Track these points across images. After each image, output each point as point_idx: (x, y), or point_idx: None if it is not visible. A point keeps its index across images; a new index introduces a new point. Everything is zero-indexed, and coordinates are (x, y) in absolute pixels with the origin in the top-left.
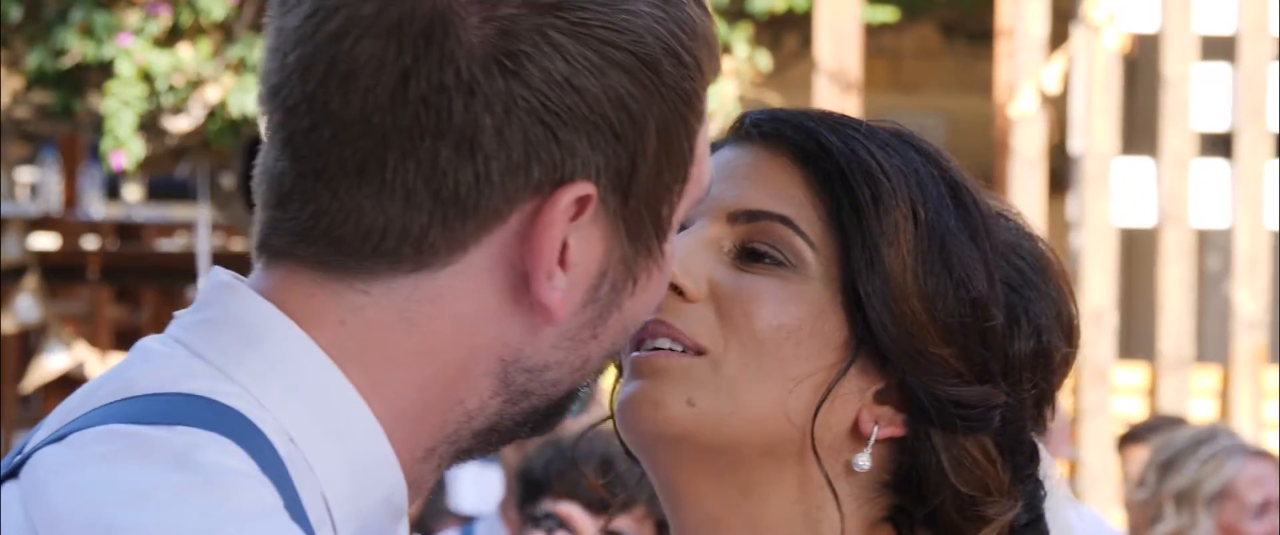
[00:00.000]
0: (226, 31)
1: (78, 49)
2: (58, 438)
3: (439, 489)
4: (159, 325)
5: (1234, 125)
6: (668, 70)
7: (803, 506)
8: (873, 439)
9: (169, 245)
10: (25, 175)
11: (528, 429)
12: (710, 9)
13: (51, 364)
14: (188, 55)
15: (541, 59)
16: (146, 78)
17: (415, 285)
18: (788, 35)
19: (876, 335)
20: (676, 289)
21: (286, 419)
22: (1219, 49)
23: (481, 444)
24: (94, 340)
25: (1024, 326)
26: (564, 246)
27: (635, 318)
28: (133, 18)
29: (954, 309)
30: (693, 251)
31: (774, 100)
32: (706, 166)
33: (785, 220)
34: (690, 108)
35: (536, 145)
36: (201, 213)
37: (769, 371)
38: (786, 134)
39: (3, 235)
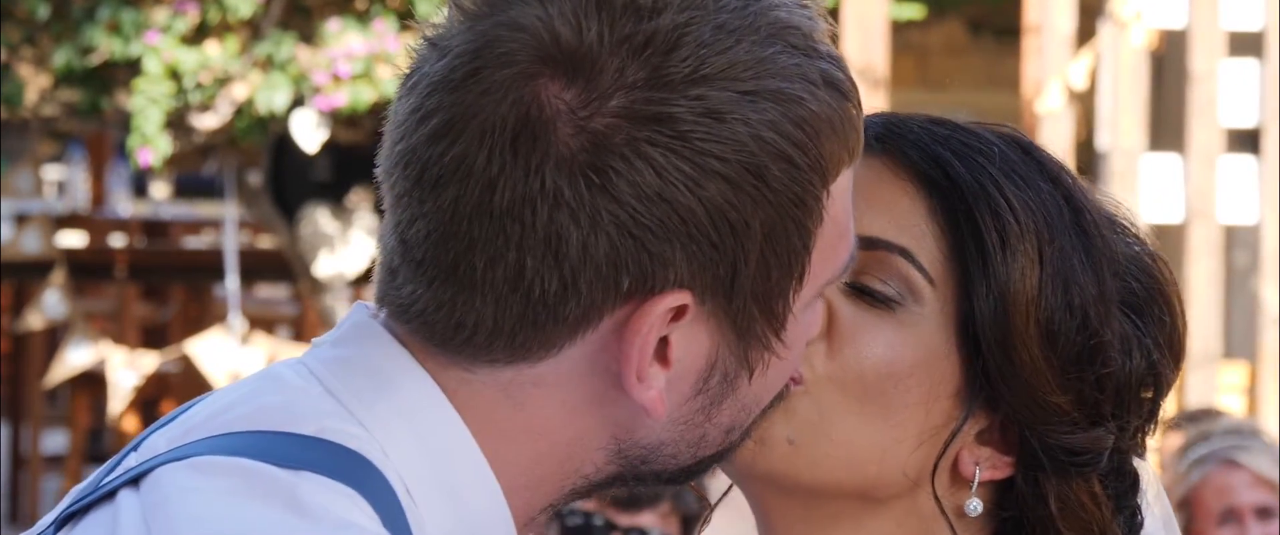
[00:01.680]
0: (254, 29)
1: (105, 47)
2: (182, 456)
3: None
4: (185, 323)
5: (1261, 121)
6: (776, 175)
7: None
8: (976, 482)
9: (196, 243)
10: (52, 173)
11: (652, 483)
12: (851, 85)
13: (75, 360)
14: (215, 52)
15: (631, 173)
16: (174, 75)
17: (516, 371)
18: None
19: (993, 384)
20: None
21: (406, 470)
22: (1246, 45)
23: (601, 491)
24: (120, 338)
25: (1138, 360)
26: (666, 344)
27: (757, 400)
28: (160, 15)
29: (1074, 355)
30: None
31: None
32: (846, 243)
33: (905, 252)
34: (802, 208)
35: (625, 257)
36: (228, 210)
37: (872, 416)
38: (911, 155)
39: (30, 232)
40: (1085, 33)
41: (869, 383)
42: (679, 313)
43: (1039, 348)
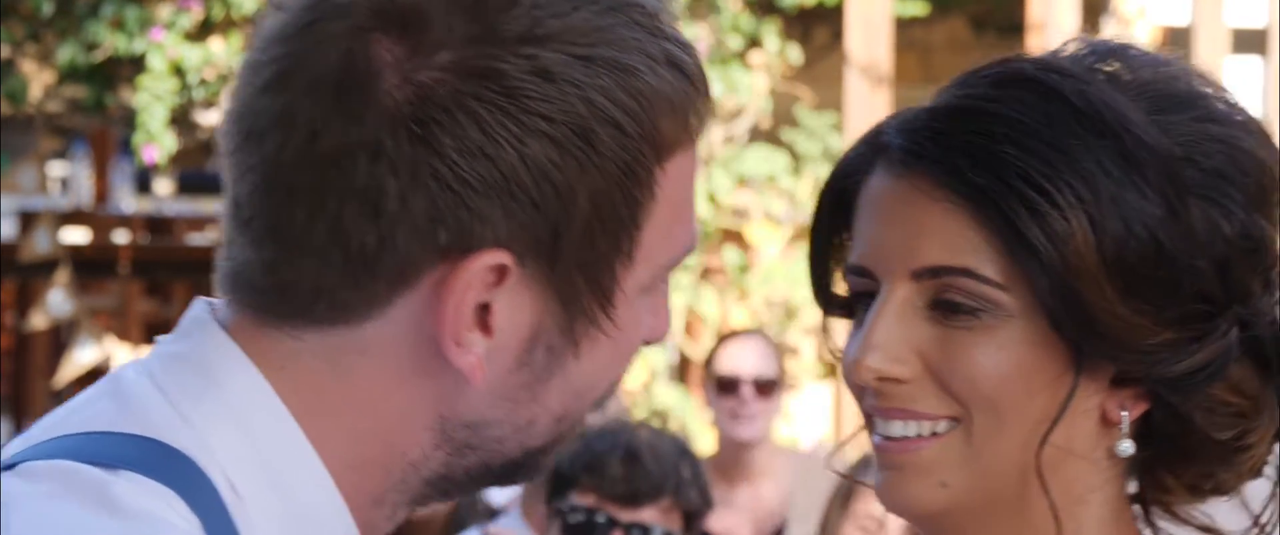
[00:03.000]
0: (257, 25)
1: (109, 43)
2: (16, 462)
3: None
4: None
5: (1264, 117)
6: (604, 141)
7: (1063, 510)
8: (1126, 425)
9: (200, 239)
10: (56, 169)
11: (486, 482)
12: (697, 70)
13: (82, 358)
14: (219, 49)
15: (454, 127)
16: (178, 72)
17: (341, 337)
18: (818, 29)
19: (1095, 357)
20: (893, 379)
21: (231, 465)
22: (1250, 42)
23: (436, 492)
24: (125, 334)
25: (1235, 241)
26: (488, 310)
27: (587, 383)
28: (164, 12)
29: (1158, 280)
30: (890, 329)
31: (805, 93)
32: (685, 229)
33: (967, 272)
34: (632, 179)
35: (444, 211)
36: None
37: (1010, 423)
38: (933, 173)
39: (34, 229)
40: (1089, 29)
41: (992, 396)
42: (500, 276)
43: (1122, 303)
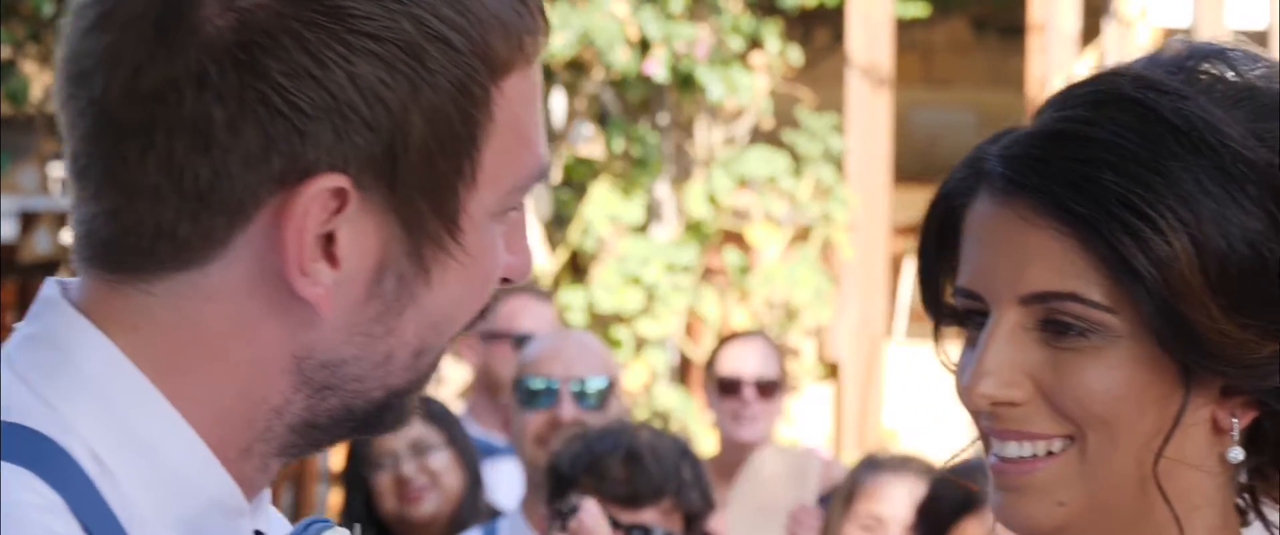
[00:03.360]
0: None
1: None
2: None
3: (474, 486)
4: None
5: None
6: (434, 57)
7: (1180, 517)
8: (1237, 433)
9: None
10: (57, 170)
11: (351, 427)
12: None
13: None
14: None
15: (279, 51)
16: None
17: (189, 282)
18: (819, 30)
19: (1199, 376)
20: (1006, 403)
21: (93, 438)
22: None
23: (304, 441)
24: None
25: None
26: (332, 241)
27: (444, 314)
28: None
29: (1268, 304)
30: (1002, 355)
31: (805, 94)
32: (531, 152)
33: (1074, 297)
34: (466, 95)
35: (274, 137)
36: None
37: (1121, 440)
38: (1036, 201)
39: (35, 230)
40: (1090, 31)
41: (1105, 416)
42: (340, 201)
43: (1228, 321)
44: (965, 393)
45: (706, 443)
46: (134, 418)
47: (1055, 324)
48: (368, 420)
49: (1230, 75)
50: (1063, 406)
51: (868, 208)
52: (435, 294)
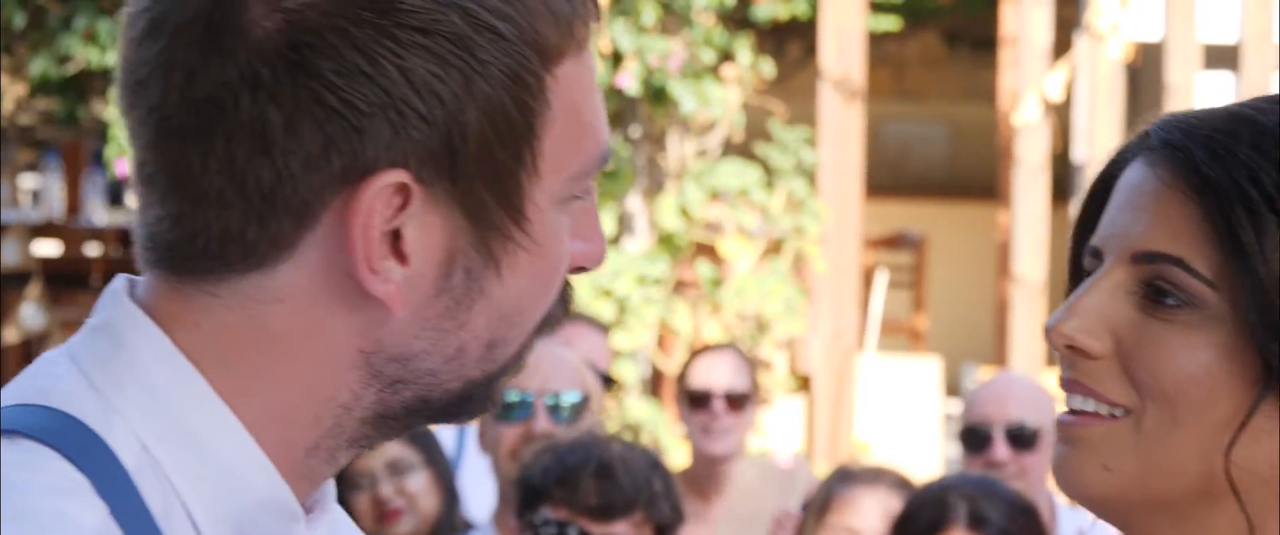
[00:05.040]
0: None
1: (82, 56)
2: None
3: (451, 506)
4: None
5: None
6: (484, 47)
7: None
8: None
9: None
10: (28, 181)
11: (426, 417)
12: None
13: None
14: None
15: (329, 50)
16: None
17: (257, 284)
18: (791, 43)
19: (1278, 373)
20: (1080, 349)
21: (141, 426)
22: (1222, 58)
23: (378, 431)
24: None
25: None
26: (399, 237)
27: (514, 304)
28: None
29: None
30: (1094, 303)
31: (778, 107)
32: (593, 139)
33: (1180, 262)
34: (519, 84)
35: (333, 136)
36: None
37: (1185, 423)
38: (1173, 162)
39: (5, 242)
40: (1062, 45)
41: (1171, 392)
42: (404, 197)
43: None
44: (1049, 330)
45: (678, 455)
46: (184, 410)
47: (1156, 291)
48: (447, 409)
49: None
50: (1135, 373)
51: (840, 220)
52: (505, 285)
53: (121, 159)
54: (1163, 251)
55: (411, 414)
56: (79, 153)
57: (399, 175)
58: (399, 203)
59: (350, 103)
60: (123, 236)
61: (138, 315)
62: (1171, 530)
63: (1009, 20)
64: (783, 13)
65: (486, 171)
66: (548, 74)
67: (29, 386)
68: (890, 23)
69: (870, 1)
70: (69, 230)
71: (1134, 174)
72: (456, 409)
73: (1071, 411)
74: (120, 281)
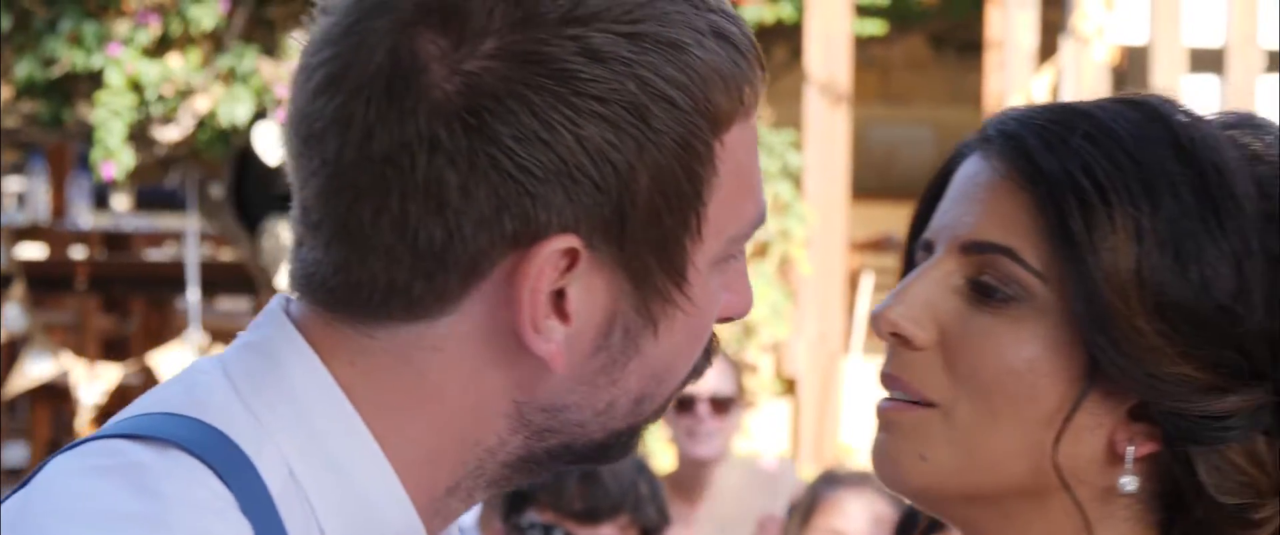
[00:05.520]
0: (216, 41)
1: (67, 58)
2: (77, 444)
3: None
4: (147, 335)
5: None
6: (658, 117)
7: (1072, 532)
8: (1130, 460)
9: (157, 255)
10: (13, 184)
11: (566, 462)
12: (745, 41)
13: (35, 371)
14: (177, 65)
15: (507, 114)
16: (136, 87)
17: (416, 333)
18: (777, 46)
19: (1104, 367)
20: (903, 338)
21: (289, 450)
22: (1208, 61)
23: (518, 474)
24: (82, 350)
25: None
26: (563, 297)
27: (666, 363)
28: (122, 27)
29: (1198, 321)
30: (922, 292)
31: (763, 111)
32: (752, 200)
33: (1009, 252)
34: (690, 152)
35: (506, 200)
36: (190, 223)
37: (1002, 416)
38: (1007, 153)
39: None
40: (1047, 48)
41: (991, 386)
42: (571, 261)
43: (1147, 321)
44: (875, 318)
45: (663, 459)
46: (333, 440)
47: (982, 286)
48: (588, 455)
49: (1265, 141)
50: (955, 365)
51: (825, 224)
52: (660, 344)
53: (107, 162)
54: (992, 241)
55: (553, 459)
56: (64, 156)
57: (570, 241)
58: (566, 265)
59: (525, 168)
60: (108, 240)
61: (296, 339)
62: (999, 526)
63: (995, 24)
64: (768, 16)
65: (653, 237)
66: (717, 141)
67: (183, 397)
68: (876, 26)
69: (856, 5)
70: (54, 233)
71: (970, 166)
72: (598, 455)
73: (889, 398)
74: (279, 300)
